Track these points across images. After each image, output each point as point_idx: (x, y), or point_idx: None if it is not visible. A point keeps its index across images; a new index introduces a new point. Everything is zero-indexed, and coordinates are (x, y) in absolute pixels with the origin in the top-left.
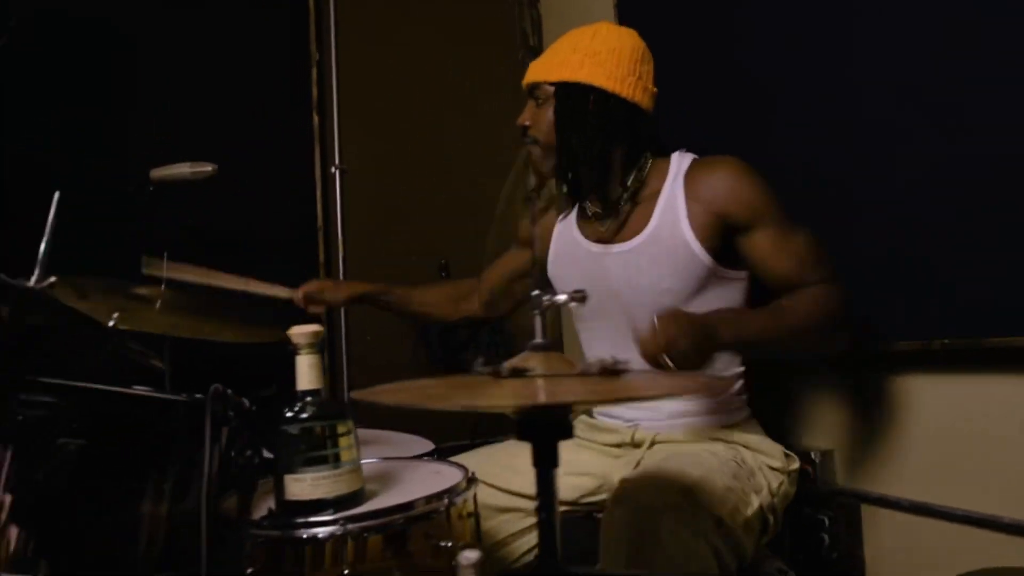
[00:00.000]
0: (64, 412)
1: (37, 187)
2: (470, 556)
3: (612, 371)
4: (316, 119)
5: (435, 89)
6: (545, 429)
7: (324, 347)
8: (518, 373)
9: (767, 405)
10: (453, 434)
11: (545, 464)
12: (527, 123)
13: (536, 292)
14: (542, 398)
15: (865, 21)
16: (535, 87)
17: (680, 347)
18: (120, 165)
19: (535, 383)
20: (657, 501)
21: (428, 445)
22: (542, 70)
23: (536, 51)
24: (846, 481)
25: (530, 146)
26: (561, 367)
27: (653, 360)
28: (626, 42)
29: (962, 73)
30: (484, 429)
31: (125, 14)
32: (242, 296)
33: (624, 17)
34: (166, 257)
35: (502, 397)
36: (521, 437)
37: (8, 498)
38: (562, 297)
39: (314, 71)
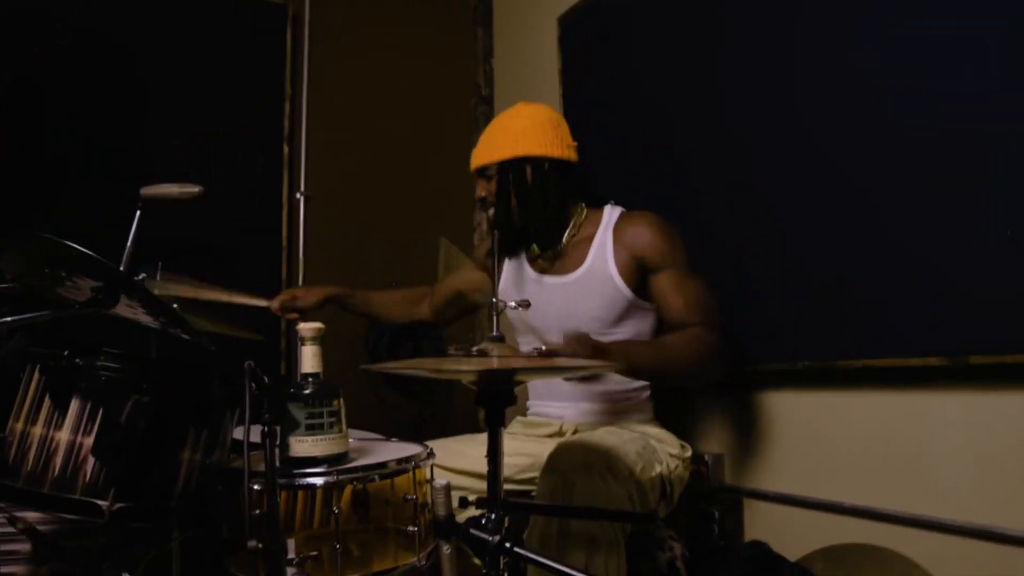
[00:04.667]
0: (136, 375)
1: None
2: (441, 481)
3: (546, 355)
4: (286, 149)
5: (395, 128)
6: (496, 396)
7: (324, 340)
8: (483, 353)
9: (670, 414)
10: (400, 435)
11: (494, 423)
12: (483, 195)
13: (494, 300)
14: (496, 365)
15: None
16: (483, 169)
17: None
18: (109, 185)
19: (494, 359)
20: (585, 461)
21: (381, 437)
22: (485, 155)
23: (487, 101)
24: (732, 479)
25: (490, 212)
26: (511, 351)
27: None
28: (544, 114)
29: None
30: (427, 431)
31: (120, 45)
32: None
33: (567, 76)
34: (159, 267)
35: (473, 365)
36: (477, 402)
37: (89, 439)
38: (512, 303)
39: (287, 105)
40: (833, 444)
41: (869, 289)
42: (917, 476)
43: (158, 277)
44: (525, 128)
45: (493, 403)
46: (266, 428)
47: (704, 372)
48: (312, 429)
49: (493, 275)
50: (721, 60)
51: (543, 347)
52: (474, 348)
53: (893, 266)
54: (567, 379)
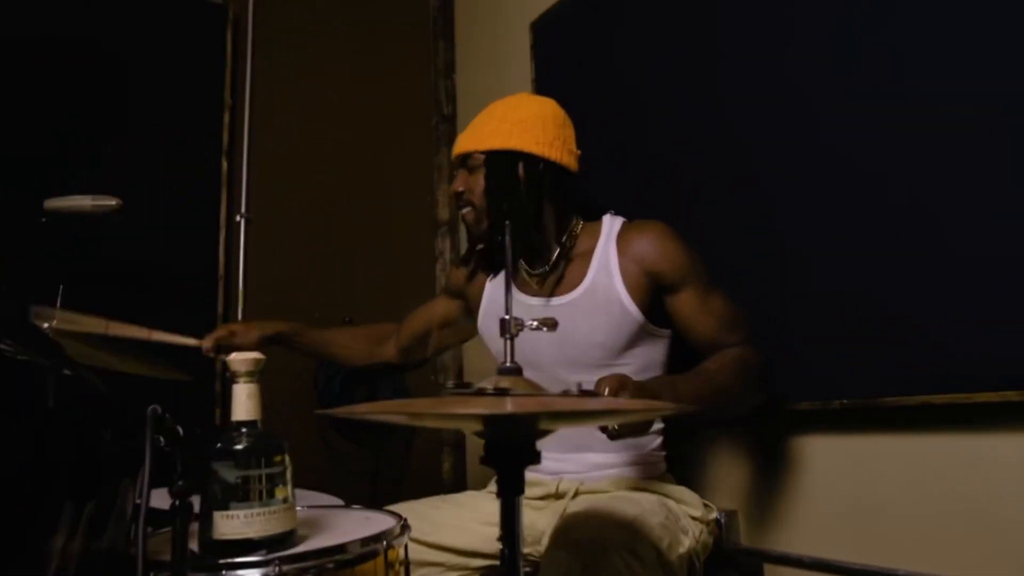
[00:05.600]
0: None
1: None
2: None
3: (587, 393)
4: (225, 165)
5: (347, 146)
6: (513, 452)
7: (262, 376)
8: (500, 391)
9: (677, 464)
10: (351, 497)
11: (510, 491)
12: (460, 189)
13: (507, 316)
14: (511, 408)
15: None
16: (467, 156)
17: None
18: (15, 199)
19: (508, 400)
20: (602, 537)
21: (338, 502)
22: (472, 140)
23: (450, 120)
24: (749, 540)
25: (464, 211)
26: (535, 389)
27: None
28: (548, 109)
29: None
30: (383, 493)
31: (34, 39)
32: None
33: (541, 85)
34: (60, 297)
35: (482, 408)
36: (488, 461)
37: None
38: (532, 323)
39: (226, 116)
40: (877, 498)
41: (926, 309)
42: (984, 537)
43: (54, 322)
44: (524, 120)
45: (509, 463)
46: (177, 500)
47: (756, 396)
48: (245, 499)
49: (508, 281)
50: (716, 59)
51: (581, 383)
52: (487, 384)
53: (957, 279)
54: (613, 438)
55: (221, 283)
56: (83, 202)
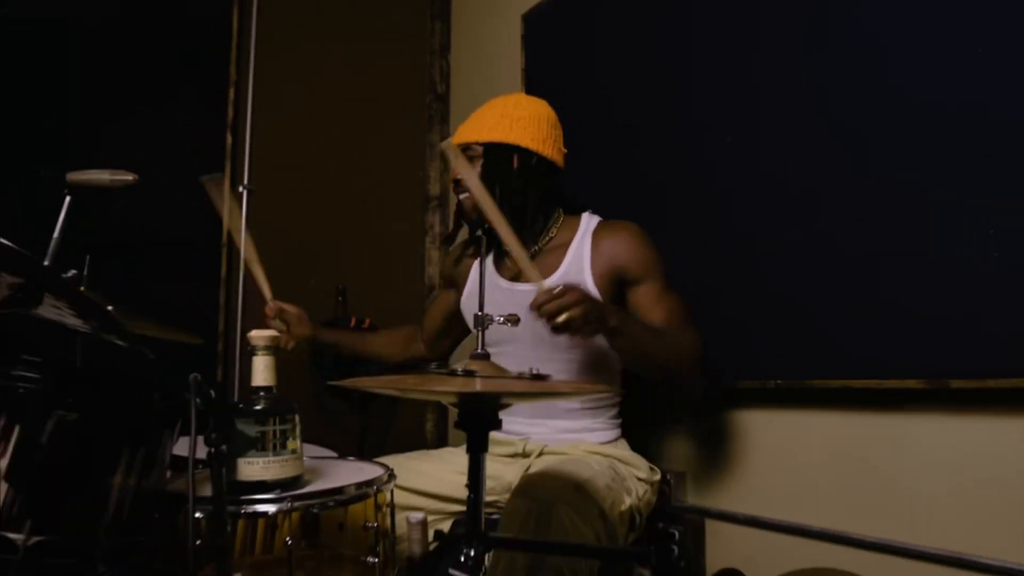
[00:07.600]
0: (61, 388)
1: None
2: (417, 516)
3: (537, 376)
4: (229, 139)
5: (345, 121)
6: (480, 420)
7: (278, 350)
8: (468, 373)
9: (633, 432)
10: (343, 452)
11: (477, 448)
12: (460, 177)
13: (480, 312)
14: (480, 388)
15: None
16: (466, 147)
17: (574, 313)
18: (30, 172)
19: (477, 381)
20: (554, 493)
21: (333, 454)
22: (472, 132)
23: (443, 98)
24: (695, 499)
25: (463, 197)
26: (498, 372)
27: (547, 316)
28: (543, 111)
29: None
30: (371, 447)
31: (47, 20)
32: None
33: (530, 75)
34: (87, 266)
35: (456, 387)
36: (460, 426)
37: (2, 462)
38: (500, 317)
39: (231, 92)
40: (804, 465)
41: (848, 309)
42: (892, 500)
43: (85, 272)
44: (523, 117)
45: (477, 427)
46: (213, 449)
47: (690, 373)
48: (263, 449)
49: (483, 278)
50: (694, 65)
51: (535, 368)
52: (459, 367)
53: (873, 286)
54: (556, 331)
55: (224, 251)
56: (102, 176)
